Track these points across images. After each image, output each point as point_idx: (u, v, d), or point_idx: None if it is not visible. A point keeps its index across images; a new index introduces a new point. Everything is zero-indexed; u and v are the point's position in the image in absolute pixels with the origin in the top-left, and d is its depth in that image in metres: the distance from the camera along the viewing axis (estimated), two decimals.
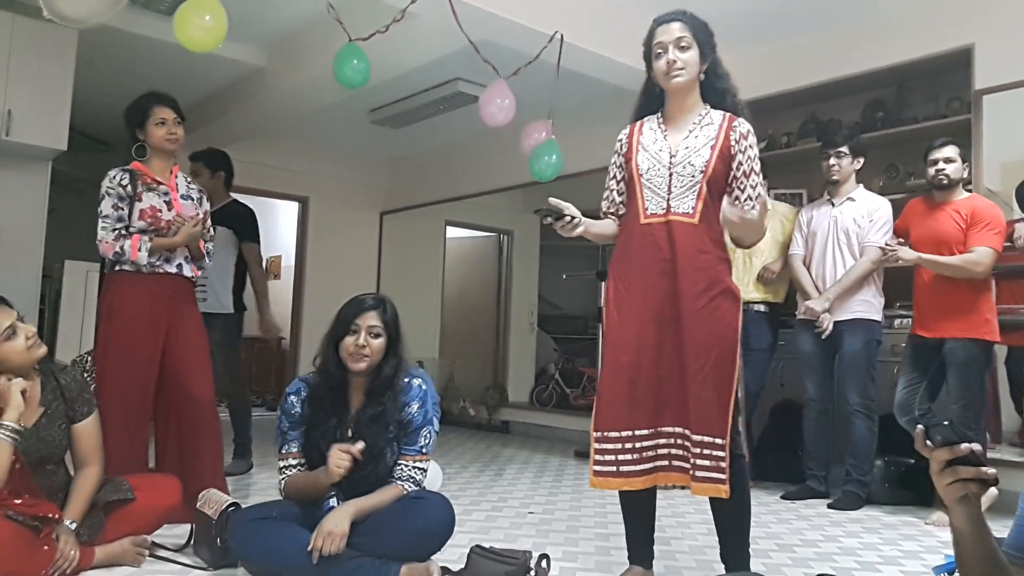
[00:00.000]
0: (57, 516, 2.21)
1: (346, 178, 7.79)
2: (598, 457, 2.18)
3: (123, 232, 2.99)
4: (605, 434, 2.18)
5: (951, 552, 2.36)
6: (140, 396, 3.00)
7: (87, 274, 4.49)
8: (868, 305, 3.80)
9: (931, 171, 3.60)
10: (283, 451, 2.39)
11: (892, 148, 4.49)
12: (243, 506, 2.49)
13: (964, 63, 4.05)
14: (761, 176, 2.22)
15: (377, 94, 5.55)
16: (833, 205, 3.94)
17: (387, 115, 6.13)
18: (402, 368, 2.39)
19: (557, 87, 4.22)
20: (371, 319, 2.33)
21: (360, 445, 2.22)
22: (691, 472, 2.09)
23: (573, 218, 2.15)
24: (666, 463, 2.16)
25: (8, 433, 2.11)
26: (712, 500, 2.19)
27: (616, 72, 4.52)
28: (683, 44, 2.17)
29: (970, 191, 3.75)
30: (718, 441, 2.08)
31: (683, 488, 2.20)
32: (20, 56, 4.04)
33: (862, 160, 3.93)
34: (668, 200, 2.18)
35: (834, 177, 3.90)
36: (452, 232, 8.12)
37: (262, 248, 4.53)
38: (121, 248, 2.96)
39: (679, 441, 2.15)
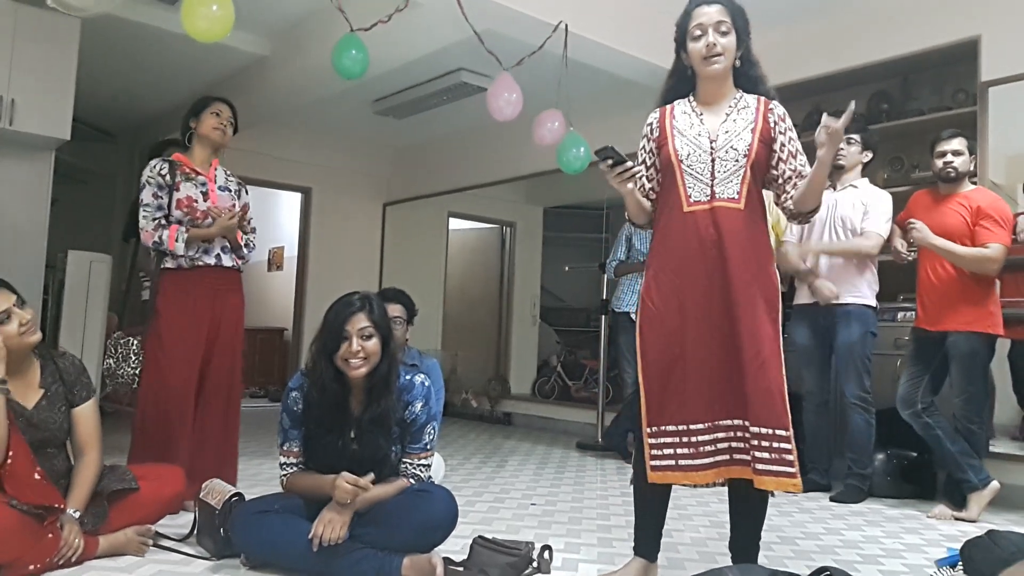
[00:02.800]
0: (61, 505, 2.22)
1: (349, 168, 7.78)
2: (655, 452, 2.11)
3: (162, 222, 3.07)
4: (661, 428, 2.12)
5: (954, 545, 2.37)
6: (183, 392, 3.08)
7: (90, 264, 4.50)
8: (862, 294, 3.79)
9: (939, 163, 3.59)
10: (284, 447, 2.38)
11: (897, 140, 4.48)
12: (247, 496, 2.50)
13: (970, 55, 4.03)
14: (804, 155, 2.19)
15: (380, 84, 5.54)
16: (834, 190, 3.93)
17: (390, 105, 6.11)
18: (396, 365, 2.33)
19: (565, 78, 4.20)
20: (360, 321, 2.25)
21: (370, 477, 2.18)
22: (752, 465, 2.03)
23: (632, 169, 2.12)
24: (727, 457, 2.09)
25: None
26: (732, 491, 2.18)
27: (622, 63, 4.50)
28: (723, 28, 2.13)
29: (975, 184, 3.73)
30: (781, 432, 2.02)
31: (710, 485, 2.15)
32: (23, 45, 4.03)
33: (870, 155, 3.91)
34: (712, 186, 2.13)
35: (840, 162, 3.86)
36: (455, 223, 8.12)
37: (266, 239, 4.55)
38: (160, 238, 3.04)
39: (739, 434, 2.08)
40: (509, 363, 7.59)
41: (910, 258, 3.74)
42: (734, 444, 2.09)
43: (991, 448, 3.75)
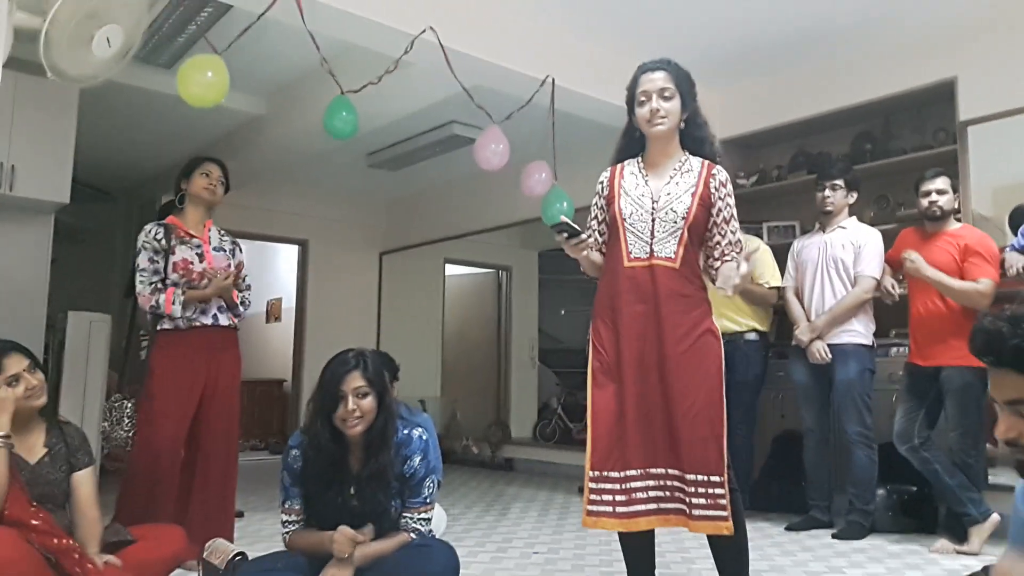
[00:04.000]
0: (75, 546, 2.23)
1: (345, 220, 7.87)
2: (593, 496, 2.20)
3: (159, 285, 3.12)
4: (603, 473, 2.20)
5: None
6: (171, 449, 3.11)
7: (90, 324, 4.54)
8: (858, 333, 3.84)
9: (924, 203, 3.66)
10: (285, 505, 2.40)
11: (881, 179, 4.56)
12: (249, 554, 2.51)
13: (948, 95, 4.14)
14: (737, 223, 2.31)
15: (373, 139, 5.64)
16: (824, 232, 4.01)
17: (384, 158, 6.22)
18: (392, 419, 2.37)
19: (553, 130, 4.30)
20: (355, 380, 2.29)
21: (368, 530, 2.22)
22: (688, 512, 2.12)
23: (586, 240, 2.25)
24: (655, 507, 2.18)
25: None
26: (710, 537, 2.22)
27: (608, 113, 4.57)
28: (666, 94, 2.25)
29: (960, 220, 3.81)
30: (715, 479, 2.11)
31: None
32: (23, 112, 4.12)
33: (855, 195, 4.00)
34: (651, 245, 2.24)
35: (828, 208, 3.97)
36: (451, 269, 8.18)
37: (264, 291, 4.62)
38: (157, 302, 3.10)
39: (668, 483, 2.17)
40: (509, 407, 7.59)
41: (897, 297, 3.81)
42: (663, 493, 2.17)
43: (990, 480, 3.76)
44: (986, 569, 2.19)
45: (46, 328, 4.47)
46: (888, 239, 3.92)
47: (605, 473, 2.20)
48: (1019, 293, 3.48)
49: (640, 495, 2.18)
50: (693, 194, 2.25)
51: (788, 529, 3.90)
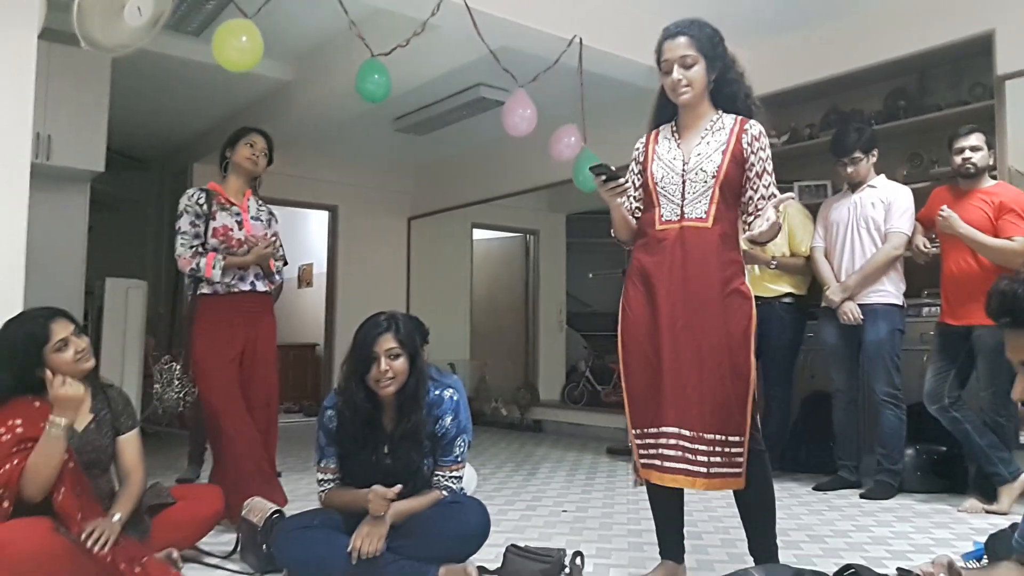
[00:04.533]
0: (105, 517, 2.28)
1: (373, 185, 7.91)
2: (642, 451, 2.24)
3: (199, 249, 3.20)
4: (644, 430, 2.24)
5: (980, 539, 2.40)
6: (236, 407, 3.22)
7: (127, 291, 4.64)
8: (888, 292, 3.82)
9: (957, 160, 3.60)
10: (321, 464, 2.47)
11: (915, 136, 4.49)
12: (287, 513, 2.59)
13: (985, 49, 4.04)
14: (773, 177, 2.26)
15: (400, 103, 5.64)
16: (853, 192, 3.97)
17: (411, 123, 6.22)
18: (423, 380, 2.41)
19: (582, 91, 4.27)
20: (387, 342, 2.34)
21: (397, 488, 2.25)
22: (707, 471, 2.13)
23: (623, 184, 2.24)
24: (658, 463, 2.19)
25: (62, 429, 2.21)
26: (737, 495, 2.24)
27: (637, 72, 4.56)
28: (688, 62, 2.22)
29: (995, 177, 3.74)
30: (734, 439, 2.13)
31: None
32: (57, 83, 4.18)
33: (875, 153, 3.94)
34: (682, 206, 2.24)
35: (855, 180, 3.95)
36: (479, 234, 8.20)
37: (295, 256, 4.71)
38: (197, 265, 3.18)
39: (677, 442, 2.16)
40: (537, 370, 7.65)
41: (930, 256, 3.77)
42: (667, 452, 2.18)
43: (1021, 440, 3.74)
44: (1014, 527, 2.20)
45: (85, 295, 4.58)
46: (922, 197, 3.87)
47: (645, 430, 2.23)
48: None
49: (674, 452, 2.18)
50: (724, 151, 2.23)
51: (816, 489, 3.92)
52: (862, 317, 3.82)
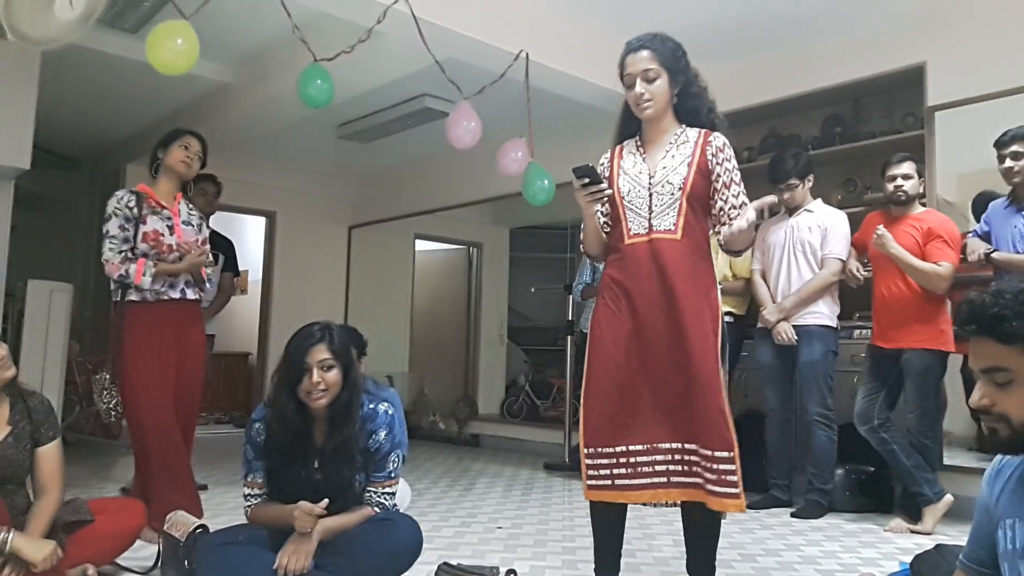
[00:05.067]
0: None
1: (314, 192, 7.79)
2: (591, 472, 2.18)
3: (128, 255, 3.08)
4: (597, 449, 2.19)
5: (907, 559, 2.44)
6: (163, 427, 3.11)
7: (51, 293, 4.46)
8: (823, 314, 3.90)
9: (890, 187, 3.71)
10: (248, 479, 2.38)
11: (849, 162, 4.61)
12: (211, 527, 2.49)
13: (917, 80, 4.18)
14: (742, 186, 2.26)
15: (344, 110, 5.57)
16: (790, 216, 4.05)
17: (355, 130, 6.15)
18: (357, 393, 2.35)
19: (528, 106, 4.27)
20: (320, 353, 2.27)
21: (324, 503, 2.18)
22: (704, 486, 2.10)
23: (604, 191, 2.19)
24: (664, 480, 2.15)
25: None
26: (685, 512, 2.24)
27: (583, 90, 4.59)
28: (650, 76, 2.21)
29: (925, 205, 3.86)
30: (725, 454, 2.09)
31: (672, 505, 2.22)
32: None
33: (811, 178, 4.03)
34: (650, 219, 2.22)
35: (792, 205, 4.04)
36: (421, 245, 8.15)
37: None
38: (126, 271, 3.06)
39: (678, 456, 2.15)
40: (477, 384, 7.61)
41: (862, 280, 3.86)
42: (672, 467, 2.16)
43: (945, 461, 3.85)
44: (938, 547, 2.25)
45: (5, 297, 4.39)
46: (856, 222, 3.97)
47: (599, 449, 2.18)
48: (979, 278, 3.55)
49: (646, 469, 2.15)
50: (689, 164, 2.22)
51: (748, 507, 3.94)
52: (796, 338, 3.89)
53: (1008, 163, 3.36)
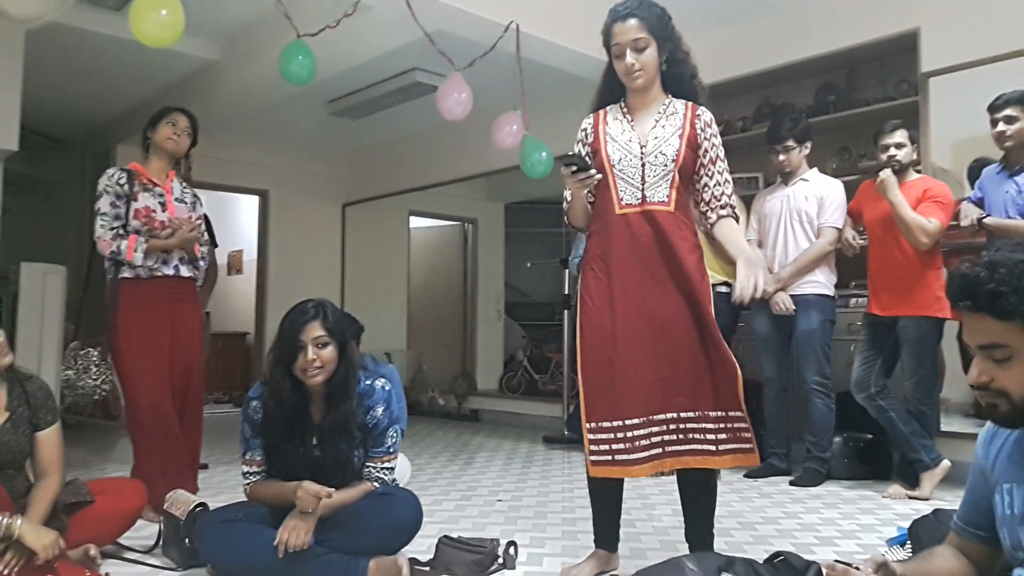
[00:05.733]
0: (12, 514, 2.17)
1: (306, 170, 7.74)
2: (592, 447, 2.17)
3: (120, 231, 3.06)
4: (598, 424, 2.18)
5: (904, 524, 2.46)
6: (158, 406, 3.11)
7: (45, 276, 4.42)
8: (820, 283, 3.89)
9: (883, 157, 3.68)
10: (246, 456, 2.38)
11: (844, 131, 4.58)
12: (211, 505, 2.50)
13: (911, 46, 4.15)
14: (726, 163, 2.26)
15: (333, 85, 5.51)
16: (787, 186, 4.03)
17: (345, 106, 6.09)
18: (354, 369, 2.34)
19: (521, 78, 4.23)
20: (315, 330, 2.25)
21: (330, 491, 2.18)
22: (715, 448, 2.14)
23: (593, 178, 2.19)
24: (659, 451, 2.16)
25: None
26: (681, 480, 2.25)
27: (575, 61, 4.54)
28: (640, 45, 2.19)
29: (919, 172, 3.84)
30: (734, 414, 2.14)
31: (669, 474, 2.23)
32: None
33: (809, 145, 4.01)
34: (643, 190, 2.21)
35: (786, 170, 4.00)
36: (416, 222, 8.12)
37: (225, 242, 4.59)
38: (118, 247, 3.05)
39: (673, 426, 2.16)
40: (475, 359, 7.63)
41: (858, 249, 3.85)
42: (667, 437, 2.17)
43: (942, 427, 3.87)
44: (936, 512, 2.27)
45: None
46: (851, 190, 3.95)
47: (599, 423, 2.18)
48: (972, 244, 3.55)
49: (643, 442, 2.15)
50: (680, 136, 2.21)
51: (747, 476, 3.98)
52: (794, 307, 3.89)
53: (1001, 127, 3.33)
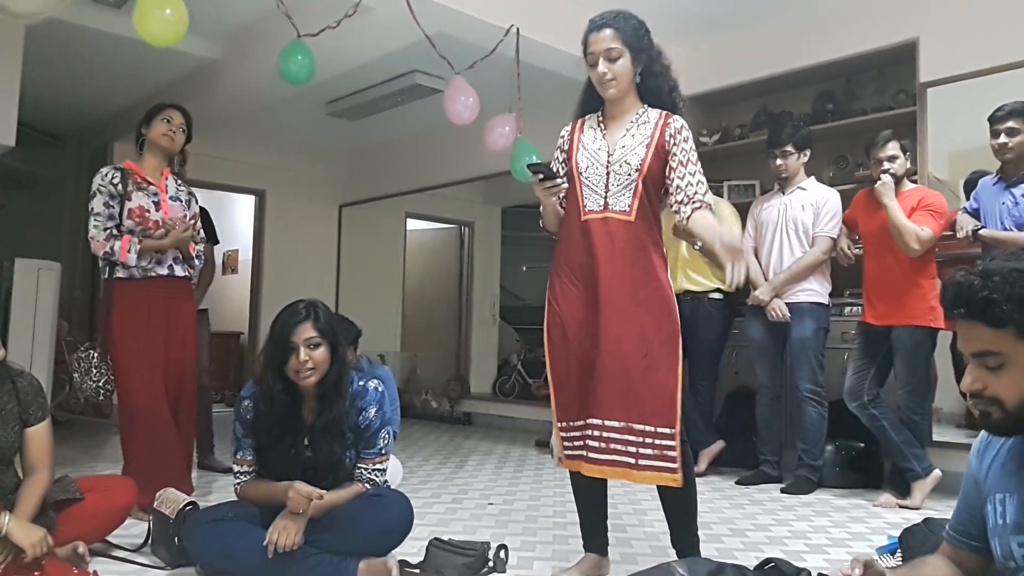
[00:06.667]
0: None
1: (303, 171, 7.73)
2: (566, 444, 2.26)
3: (114, 232, 3.06)
4: (569, 423, 2.26)
5: (895, 533, 2.46)
6: (153, 407, 3.11)
7: (38, 272, 4.41)
8: (814, 292, 3.90)
9: (877, 170, 3.68)
10: (237, 456, 2.38)
11: (841, 139, 4.59)
12: (202, 504, 2.49)
13: (909, 56, 4.15)
14: (699, 167, 2.26)
15: (333, 87, 5.51)
16: (784, 194, 4.03)
17: (344, 107, 6.08)
18: (346, 370, 2.35)
19: (518, 81, 4.23)
20: (307, 331, 2.25)
21: (322, 492, 2.18)
22: (635, 463, 2.12)
23: (561, 186, 2.23)
24: (583, 454, 2.19)
25: None
26: (660, 488, 2.25)
27: (573, 66, 4.52)
28: (613, 55, 2.20)
29: (915, 182, 3.85)
30: (665, 431, 2.12)
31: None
32: None
33: (808, 152, 4.01)
34: (606, 198, 2.23)
35: (783, 175, 4.01)
36: (412, 224, 8.11)
37: (220, 242, 4.59)
38: (111, 248, 3.04)
39: (617, 435, 2.16)
40: (469, 363, 7.61)
41: (852, 258, 3.86)
42: (591, 443, 2.18)
43: (934, 437, 3.87)
44: (927, 521, 2.27)
45: None
46: (847, 199, 3.96)
47: (570, 423, 2.25)
48: (967, 255, 3.55)
49: (598, 444, 2.18)
50: (647, 145, 2.23)
51: (739, 483, 3.98)
52: (789, 314, 3.89)
53: (1003, 139, 3.31)
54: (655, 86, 2.30)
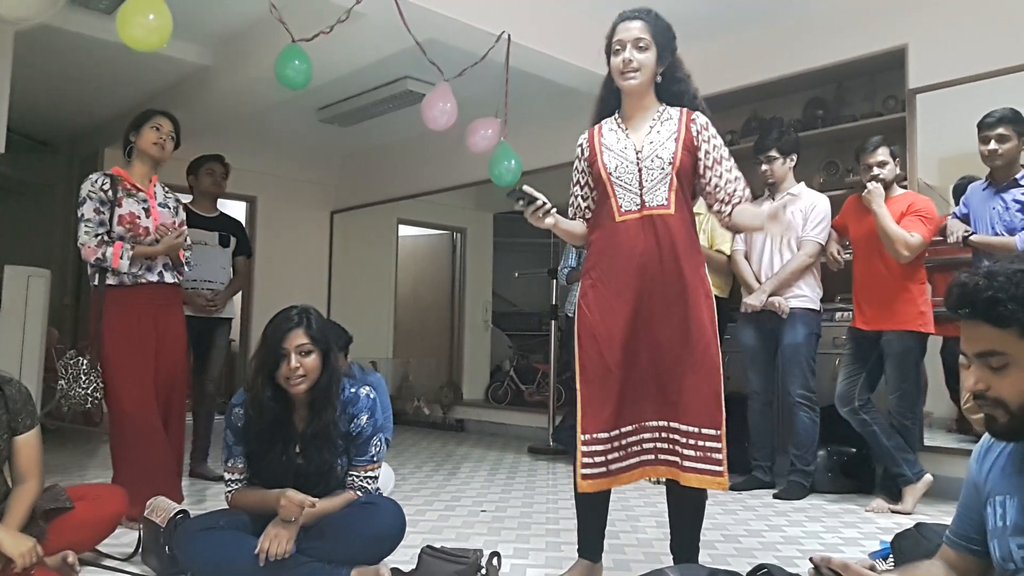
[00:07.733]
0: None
1: (295, 177, 7.71)
2: (586, 460, 2.15)
3: (105, 238, 3.04)
4: (594, 436, 2.16)
5: (887, 538, 2.46)
6: (143, 415, 3.09)
7: (28, 279, 4.38)
8: (806, 297, 3.91)
9: (867, 176, 3.69)
10: (228, 464, 2.37)
11: (831, 145, 4.62)
12: (192, 512, 2.48)
13: (899, 63, 4.18)
14: (732, 162, 2.25)
15: (325, 92, 5.51)
16: (773, 200, 4.04)
17: (335, 113, 6.08)
18: (337, 378, 2.33)
19: (507, 87, 4.24)
20: (298, 338, 2.24)
21: (314, 500, 2.17)
22: (680, 463, 2.11)
23: (544, 206, 2.15)
24: (652, 457, 2.17)
25: None
26: (670, 492, 2.24)
27: (564, 72, 4.56)
28: (641, 44, 2.19)
29: (905, 187, 3.87)
30: (711, 432, 2.10)
31: (656, 482, 2.23)
32: None
33: (795, 157, 4.02)
34: (641, 195, 2.20)
35: (770, 180, 4.02)
36: (404, 230, 8.09)
37: None
38: (103, 255, 3.02)
39: (663, 435, 2.16)
40: (462, 369, 7.59)
41: (843, 263, 3.87)
42: (659, 444, 2.17)
43: (925, 442, 3.88)
44: (918, 526, 2.27)
45: None
46: (837, 204, 3.97)
47: (595, 435, 2.16)
48: (957, 260, 3.57)
49: (635, 448, 2.17)
50: (676, 139, 2.20)
51: (731, 489, 3.97)
52: (787, 310, 3.88)
53: (993, 145, 3.33)
54: (677, 91, 2.29)
